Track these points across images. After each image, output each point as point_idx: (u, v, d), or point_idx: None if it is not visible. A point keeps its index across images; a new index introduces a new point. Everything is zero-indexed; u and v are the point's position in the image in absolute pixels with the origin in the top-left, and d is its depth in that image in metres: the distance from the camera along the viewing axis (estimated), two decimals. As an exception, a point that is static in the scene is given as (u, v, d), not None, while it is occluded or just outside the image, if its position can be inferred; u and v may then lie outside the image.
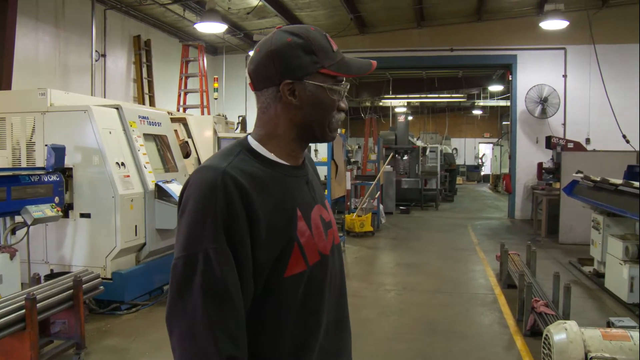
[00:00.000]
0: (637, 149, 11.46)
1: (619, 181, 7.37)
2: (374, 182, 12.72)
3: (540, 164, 13.88)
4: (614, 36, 13.96)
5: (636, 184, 6.90)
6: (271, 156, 1.52)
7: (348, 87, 1.58)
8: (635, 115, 12.99)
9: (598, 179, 8.00)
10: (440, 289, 7.92)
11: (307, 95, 1.50)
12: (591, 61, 13.80)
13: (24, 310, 4.11)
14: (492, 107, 28.01)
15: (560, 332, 1.55)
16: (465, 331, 6.11)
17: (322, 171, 10.43)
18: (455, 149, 31.08)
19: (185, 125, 9.55)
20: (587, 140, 14.39)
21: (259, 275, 1.41)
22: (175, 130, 8.91)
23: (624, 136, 11.89)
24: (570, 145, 13.20)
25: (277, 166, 1.52)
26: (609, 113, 12.52)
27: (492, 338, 5.92)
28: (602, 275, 7.89)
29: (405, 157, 18.43)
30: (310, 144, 1.70)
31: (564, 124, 14.94)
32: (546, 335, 1.60)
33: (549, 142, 13.59)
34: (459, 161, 30.55)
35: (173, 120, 9.04)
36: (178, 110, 12.68)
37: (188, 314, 1.31)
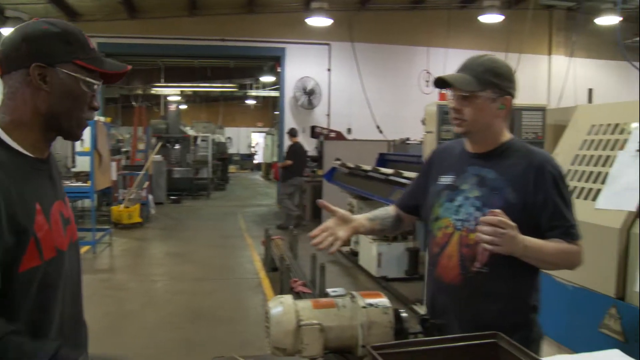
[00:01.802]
0: (388, 138, 12.62)
1: (369, 167, 8.10)
2: (141, 172, 12.45)
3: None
4: (371, 36, 15.22)
5: (383, 169, 7.64)
6: (14, 145, 1.47)
7: (100, 85, 1.57)
8: (387, 108, 14.31)
9: (353, 166, 8.71)
10: (207, 276, 8.05)
11: (58, 83, 1.48)
12: (352, 57, 14.92)
13: None
14: (264, 97, 28.74)
15: (277, 306, 1.72)
16: (230, 315, 6.31)
17: (85, 161, 9.97)
18: (229, 138, 31.43)
19: None
20: (349, 130, 15.44)
21: None
22: None
23: (378, 127, 13.02)
24: (333, 134, 14.08)
25: (20, 156, 1.48)
26: (367, 105, 13.67)
27: (255, 320, 6.16)
28: (357, 254, 8.62)
29: (177, 147, 18.25)
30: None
31: (328, 115, 15.90)
32: (267, 310, 1.77)
33: (314, 132, 14.37)
34: (233, 150, 31.02)
35: None
36: None
37: None
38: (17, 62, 1.46)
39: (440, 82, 2.12)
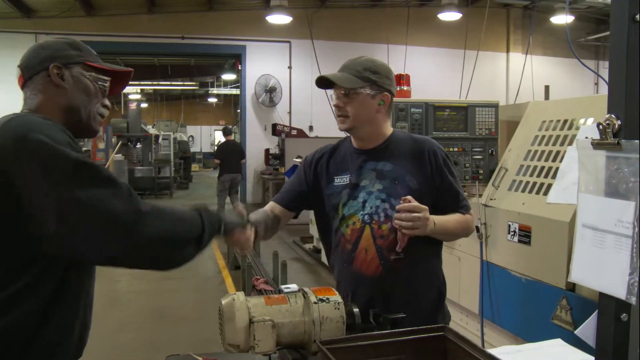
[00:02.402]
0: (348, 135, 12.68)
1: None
2: (102, 172, 12.28)
3: (267, 150, 14.64)
4: (331, 34, 15.28)
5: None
6: None
7: (108, 84, 1.80)
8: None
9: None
10: (169, 275, 7.96)
11: (74, 80, 1.69)
12: (312, 55, 14.94)
13: None
14: (226, 95, 28.63)
15: (229, 303, 1.74)
16: (192, 314, 6.30)
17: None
18: (192, 136, 31.23)
19: None
20: (311, 128, 15.51)
21: None
22: None
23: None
24: (294, 132, 14.12)
25: None
26: (328, 103, 13.70)
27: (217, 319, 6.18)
28: (320, 251, 8.64)
29: (139, 145, 18.05)
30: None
31: (290, 112, 15.93)
32: (219, 307, 1.78)
33: (275, 129, 14.37)
34: (195, 148, 30.79)
35: None
36: None
37: None
38: (38, 67, 1.68)
39: (323, 81, 2.25)
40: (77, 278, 1.62)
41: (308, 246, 9.41)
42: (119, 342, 5.50)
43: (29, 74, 1.68)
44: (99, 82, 1.76)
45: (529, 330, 3.28)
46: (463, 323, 4.04)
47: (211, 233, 1.73)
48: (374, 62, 2.23)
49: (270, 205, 2.45)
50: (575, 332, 2.38)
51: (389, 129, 2.31)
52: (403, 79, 6.98)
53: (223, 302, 1.80)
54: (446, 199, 2.23)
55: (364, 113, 2.19)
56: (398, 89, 6.02)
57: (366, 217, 2.19)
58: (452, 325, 2.03)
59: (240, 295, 1.81)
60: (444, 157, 2.26)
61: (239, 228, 1.92)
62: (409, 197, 2.04)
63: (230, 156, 12.26)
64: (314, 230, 8.97)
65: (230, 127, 13.83)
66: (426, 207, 2.02)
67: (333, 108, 2.27)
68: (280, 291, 1.98)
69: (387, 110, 2.30)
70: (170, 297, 6.96)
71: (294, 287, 2.00)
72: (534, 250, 3.24)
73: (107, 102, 1.81)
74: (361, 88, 2.16)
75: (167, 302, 6.75)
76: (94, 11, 15.06)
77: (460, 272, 4.01)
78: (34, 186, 1.39)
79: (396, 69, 3.17)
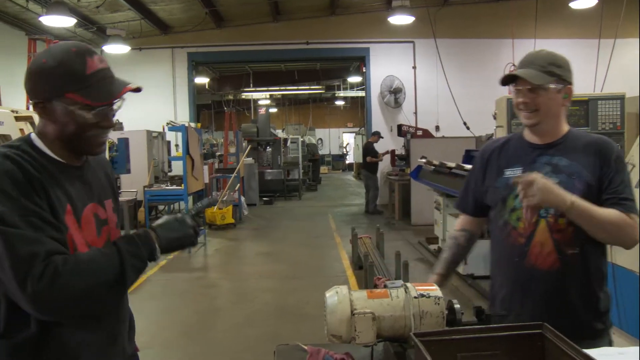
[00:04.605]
0: (475, 134, 12.41)
1: (453, 164, 8.03)
2: (233, 175, 12.87)
3: (393, 151, 14.65)
4: (454, 31, 15.04)
5: (467, 166, 7.54)
6: (47, 151, 1.66)
7: (115, 106, 1.70)
8: (473, 104, 14.06)
9: (437, 163, 8.65)
10: (295, 274, 8.25)
11: (58, 115, 1.63)
12: (436, 54, 14.78)
13: None
14: (353, 98, 28.90)
15: (332, 296, 1.82)
16: (314, 312, 6.43)
17: (180, 165, 10.48)
18: (320, 139, 31.81)
19: (32, 124, 9.19)
20: (437, 128, 15.34)
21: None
22: (22, 129, 8.56)
23: (465, 123, 12.83)
24: (420, 132, 14.03)
25: (52, 161, 1.65)
26: (453, 102, 13.51)
27: (340, 316, 6.29)
28: (444, 252, 8.52)
29: (268, 149, 18.70)
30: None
31: (415, 113, 15.86)
32: (324, 300, 1.87)
33: (400, 130, 14.35)
34: (324, 151, 31.36)
35: (19, 118, 8.69)
36: (28, 108, 12.09)
37: None
38: (30, 96, 1.66)
39: (510, 79, 2.24)
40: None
41: (433, 247, 9.32)
42: (244, 335, 5.76)
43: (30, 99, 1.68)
44: (91, 111, 1.65)
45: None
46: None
47: (136, 266, 1.62)
48: (555, 55, 2.23)
49: (461, 222, 2.57)
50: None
51: (566, 125, 2.30)
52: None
53: (327, 294, 1.88)
54: (608, 193, 2.13)
55: (552, 108, 2.20)
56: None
57: (542, 210, 2.16)
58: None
59: (344, 288, 1.88)
60: (619, 155, 2.20)
61: (187, 241, 1.78)
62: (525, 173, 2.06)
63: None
64: (439, 231, 8.88)
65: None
66: (539, 176, 2.00)
67: (515, 103, 2.27)
68: (385, 286, 2.03)
69: (568, 104, 2.32)
70: (294, 294, 7.17)
71: (398, 282, 2.04)
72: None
73: (105, 123, 1.70)
74: (549, 83, 2.17)
75: (292, 299, 6.96)
76: (223, 23, 15.83)
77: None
78: None
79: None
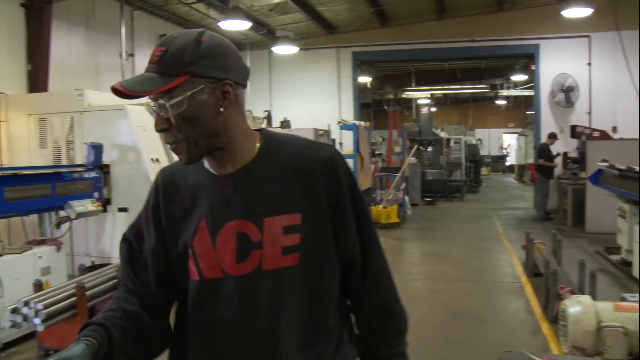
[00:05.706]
0: (662, 136, 11.43)
1: (645, 169, 7.44)
2: (398, 174, 12.87)
3: (565, 154, 13.92)
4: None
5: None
6: (205, 164, 1.52)
7: (154, 105, 1.40)
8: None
9: (624, 168, 8.06)
10: (465, 277, 8.08)
11: None
12: (616, 48, 13.78)
13: (75, 298, 4.43)
14: (515, 97, 27.80)
15: (575, 305, 1.73)
16: (491, 317, 6.27)
17: (348, 163, 10.64)
18: (480, 139, 30.95)
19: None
20: (614, 129, 14.28)
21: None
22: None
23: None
24: (596, 134, 13.15)
25: (207, 174, 1.51)
26: (636, 100, 12.54)
27: (518, 324, 6.07)
28: (630, 264, 7.91)
29: (430, 149, 18.51)
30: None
31: (589, 113, 14.87)
32: (563, 309, 1.78)
33: (574, 132, 13.57)
34: (483, 152, 30.46)
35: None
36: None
37: None
38: None
39: None
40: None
41: (615, 257, 8.64)
42: (419, 336, 5.70)
43: None
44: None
45: None
46: None
47: None
48: None
49: None
50: None
51: None
52: None
53: (567, 303, 1.80)
54: None
55: None
56: None
57: None
58: None
59: (587, 298, 1.79)
60: None
61: None
62: None
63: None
64: (622, 241, 8.25)
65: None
66: None
67: None
68: (623, 299, 1.90)
69: None
70: (468, 298, 7.01)
71: (637, 297, 1.91)
72: None
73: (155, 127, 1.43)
74: None
75: (465, 302, 6.81)
76: (388, 22, 15.86)
77: None
78: None
79: None
